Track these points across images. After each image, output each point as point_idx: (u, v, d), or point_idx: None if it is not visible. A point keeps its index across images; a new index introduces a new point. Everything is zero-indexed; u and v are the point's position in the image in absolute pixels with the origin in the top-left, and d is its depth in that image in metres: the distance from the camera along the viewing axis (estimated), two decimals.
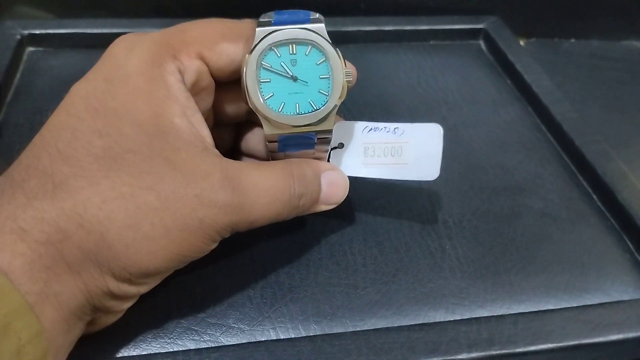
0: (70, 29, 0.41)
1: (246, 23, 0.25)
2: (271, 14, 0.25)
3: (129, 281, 0.21)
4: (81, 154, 0.21)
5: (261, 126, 0.25)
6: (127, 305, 0.22)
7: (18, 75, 0.38)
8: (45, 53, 0.40)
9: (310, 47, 0.25)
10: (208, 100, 0.25)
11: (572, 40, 0.49)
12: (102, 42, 0.41)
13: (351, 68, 0.25)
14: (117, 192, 0.20)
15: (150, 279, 0.22)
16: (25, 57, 0.40)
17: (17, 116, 0.34)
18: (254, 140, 0.28)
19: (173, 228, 0.21)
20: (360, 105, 0.38)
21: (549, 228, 0.31)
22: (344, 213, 0.30)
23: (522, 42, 0.47)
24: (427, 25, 0.45)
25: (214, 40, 0.24)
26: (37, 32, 0.40)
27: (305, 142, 0.26)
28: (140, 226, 0.20)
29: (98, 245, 0.20)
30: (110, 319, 0.23)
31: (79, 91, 0.22)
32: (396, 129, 0.27)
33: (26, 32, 0.40)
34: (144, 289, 0.22)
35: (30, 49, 0.40)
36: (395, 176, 0.27)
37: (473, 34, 0.46)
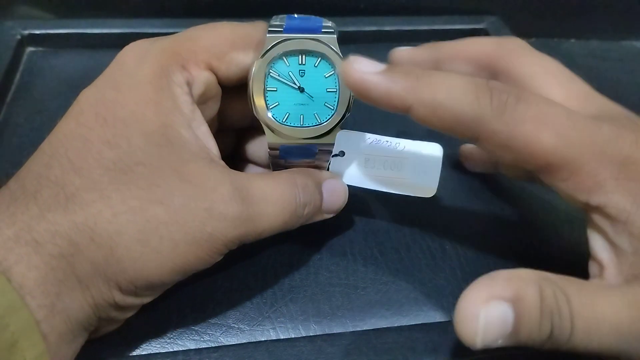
0: (71, 29, 0.41)
1: (257, 28, 0.25)
2: (283, 17, 0.25)
3: (134, 294, 0.21)
4: (92, 166, 0.21)
5: (263, 133, 0.25)
6: (129, 315, 0.23)
7: (18, 75, 0.38)
8: (45, 53, 0.40)
9: (319, 58, 0.24)
10: (214, 107, 0.25)
11: (572, 40, 0.49)
12: (103, 42, 0.41)
13: None
14: (127, 205, 0.20)
15: (154, 290, 0.22)
16: (25, 57, 0.40)
17: (17, 116, 0.34)
18: (255, 146, 0.28)
19: (181, 242, 0.21)
20: (359, 105, 0.38)
21: (549, 228, 0.31)
22: (345, 214, 0.30)
23: None
24: (427, 25, 0.45)
25: (223, 50, 0.24)
26: (37, 32, 0.40)
27: (307, 152, 0.26)
28: (149, 240, 0.20)
29: (107, 260, 0.20)
30: (111, 327, 0.23)
31: (88, 99, 0.22)
32: (397, 144, 0.27)
33: (26, 32, 0.40)
34: (147, 300, 0.22)
35: (30, 49, 0.40)
36: (394, 190, 0.27)
37: (473, 34, 0.46)
